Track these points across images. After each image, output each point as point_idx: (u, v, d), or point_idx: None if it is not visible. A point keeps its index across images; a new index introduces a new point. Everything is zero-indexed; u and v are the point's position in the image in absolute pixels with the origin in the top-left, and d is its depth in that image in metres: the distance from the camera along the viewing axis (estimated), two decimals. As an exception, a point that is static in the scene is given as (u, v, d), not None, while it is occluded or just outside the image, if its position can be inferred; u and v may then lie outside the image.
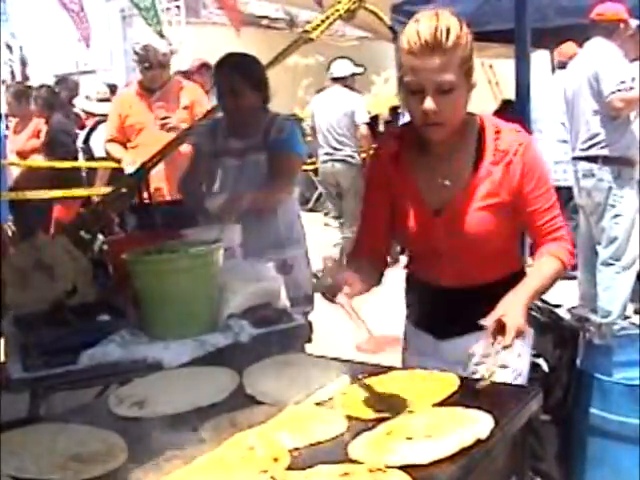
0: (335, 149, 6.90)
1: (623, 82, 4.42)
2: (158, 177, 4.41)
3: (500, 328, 1.76)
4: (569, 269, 2.06)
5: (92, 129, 6.86)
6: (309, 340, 2.42)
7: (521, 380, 2.08)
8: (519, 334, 1.77)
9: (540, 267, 1.99)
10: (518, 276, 2.02)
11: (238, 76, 3.11)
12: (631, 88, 4.42)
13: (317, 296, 3.29)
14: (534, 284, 1.94)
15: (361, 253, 2.13)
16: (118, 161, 4.82)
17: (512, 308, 1.81)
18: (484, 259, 2.03)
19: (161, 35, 4.46)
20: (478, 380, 1.73)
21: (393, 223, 2.09)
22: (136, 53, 4.74)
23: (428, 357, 2.09)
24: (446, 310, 2.08)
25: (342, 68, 7.07)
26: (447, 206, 1.99)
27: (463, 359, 1.97)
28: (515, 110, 3.23)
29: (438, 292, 2.09)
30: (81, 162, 6.97)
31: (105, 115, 5.68)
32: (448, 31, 1.83)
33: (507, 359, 1.89)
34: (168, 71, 4.85)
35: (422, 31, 1.83)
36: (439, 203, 2.00)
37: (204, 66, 6.49)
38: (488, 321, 1.77)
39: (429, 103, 1.85)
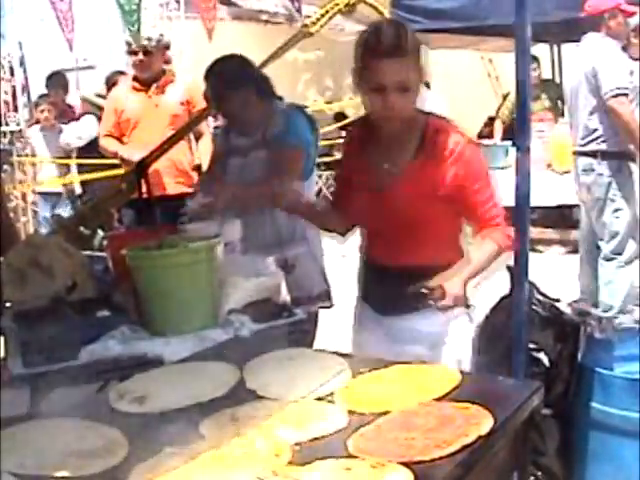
0: None
1: (622, 87, 4.38)
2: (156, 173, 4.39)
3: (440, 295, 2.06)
4: (506, 251, 2.30)
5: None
6: (313, 336, 2.41)
7: (464, 366, 2.22)
8: (457, 302, 2.08)
9: (479, 249, 2.23)
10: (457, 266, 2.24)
11: (221, 82, 3.09)
12: (626, 95, 4.38)
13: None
14: (473, 263, 2.20)
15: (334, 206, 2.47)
16: (115, 156, 4.80)
17: (451, 278, 2.10)
18: (420, 242, 2.23)
19: (136, 40, 4.43)
20: None
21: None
22: (127, 43, 4.74)
23: (370, 331, 2.35)
24: (383, 287, 2.28)
25: None
26: (387, 186, 2.23)
27: (404, 337, 2.22)
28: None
29: (377, 269, 2.33)
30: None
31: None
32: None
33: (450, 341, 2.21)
34: (159, 62, 4.82)
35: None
36: (382, 183, 2.24)
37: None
38: (430, 285, 2.06)
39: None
